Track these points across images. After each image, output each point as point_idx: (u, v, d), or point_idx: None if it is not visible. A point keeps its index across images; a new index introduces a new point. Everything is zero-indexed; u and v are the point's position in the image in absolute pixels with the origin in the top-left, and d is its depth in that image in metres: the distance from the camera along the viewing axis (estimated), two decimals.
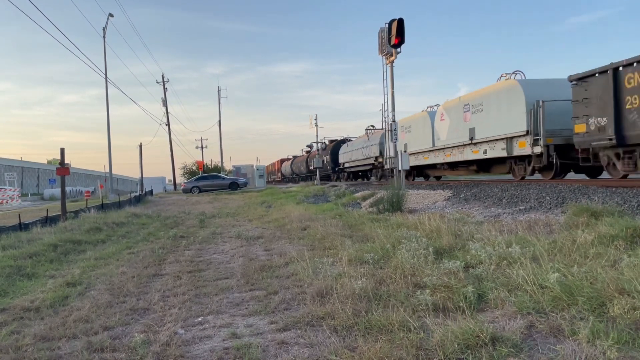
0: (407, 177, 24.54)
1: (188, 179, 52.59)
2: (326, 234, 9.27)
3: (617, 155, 11.64)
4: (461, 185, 15.94)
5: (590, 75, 11.93)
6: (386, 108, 19.12)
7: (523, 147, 15.16)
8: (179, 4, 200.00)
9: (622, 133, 11.02)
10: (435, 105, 22.34)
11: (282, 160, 70.43)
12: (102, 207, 18.50)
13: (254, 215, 16.20)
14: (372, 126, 33.37)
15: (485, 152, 17.26)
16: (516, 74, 16.50)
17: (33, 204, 36.71)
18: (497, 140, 16.42)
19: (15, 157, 64.34)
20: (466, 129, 18.21)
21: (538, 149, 14.41)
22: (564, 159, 14.13)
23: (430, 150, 21.95)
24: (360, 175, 36.37)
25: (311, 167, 47.11)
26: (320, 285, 5.18)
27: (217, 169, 62.76)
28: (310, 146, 49.44)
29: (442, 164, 21.16)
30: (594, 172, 14.70)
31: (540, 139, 14.16)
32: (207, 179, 41.85)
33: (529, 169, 15.63)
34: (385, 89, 18.86)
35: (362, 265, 6.10)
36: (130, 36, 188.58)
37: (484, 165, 18.64)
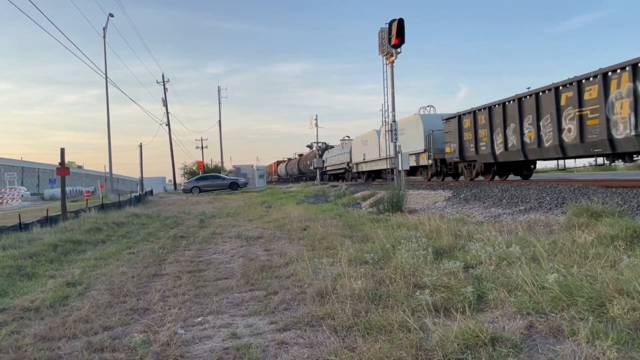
0: (366, 179, 33.15)
1: (188, 179, 52.58)
2: (326, 234, 9.27)
3: (464, 166, 20.00)
4: (461, 186, 15.94)
5: (450, 117, 20.00)
6: (386, 108, 19.15)
7: (424, 160, 22.93)
8: (179, 3, 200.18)
9: (463, 154, 19.14)
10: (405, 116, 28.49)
11: (278, 162, 75.05)
12: (102, 207, 18.51)
13: (254, 216, 16.21)
14: (347, 137, 38.61)
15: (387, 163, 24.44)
16: (427, 108, 24.77)
17: (33, 204, 36.72)
18: (412, 154, 23.31)
19: (15, 157, 64.43)
20: (397, 145, 23.49)
21: (430, 161, 22.18)
22: (446, 168, 21.77)
23: (378, 160, 29.37)
24: (339, 176, 42.03)
25: (301, 169, 54.69)
26: (320, 285, 5.18)
27: (217, 169, 62.76)
28: (310, 146, 49.48)
29: (385, 169, 27.24)
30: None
31: (431, 155, 21.98)
32: (207, 179, 41.84)
33: (429, 173, 22.90)
34: (386, 89, 18.88)
35: (362, 265, 6.10)
36: (130, 36, 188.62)
37: (408, 171, 23.25)
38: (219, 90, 62.77)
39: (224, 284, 6.07)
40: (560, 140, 13.32)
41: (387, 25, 17.00)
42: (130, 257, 8.53)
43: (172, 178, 60.67)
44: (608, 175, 18.23)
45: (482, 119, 17.45)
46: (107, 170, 42.01)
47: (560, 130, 13.30)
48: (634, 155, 11.89)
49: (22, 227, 11.80)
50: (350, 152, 35.93)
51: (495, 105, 16.53)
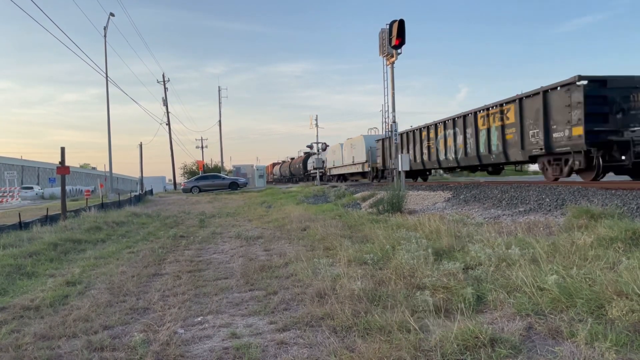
0: (337, 180, 42.03)
1: (188, 178, 52.61)
2: (326, 234, 9.28)
3: (387, 173, 25.71)
4: (461, 187, 15.96)
5: (379, 139, 29.01)
6: (387, 109, 19.17)
7: (367, 167, 33.13)
8: (180, 3, 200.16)
9: (385, 164, 26.83)
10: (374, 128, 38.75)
11: (273, 165, 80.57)
12: (102, 206, 18.52)
13: (253, 216, 16.21)
14: (325, 144, 44.17)
15: (357, 168, 35.47)
16: (371, 129, 35.78)
17: (33, 203, 36.73)
18: (358, 163, 34.70)
19: (16, 156, 64.43)
20: (351, 156, 36.53)
21: (369, 169, 32.67)
22: (379, 174, 30.51)
23: (342, 166, 40.05)
24: (319, 177, 48.19)
25: (292, 171, 62.72)
26: (319, 285, 5.19)
27: (217, 168, 62.79)
28: (311, 146, 49.47)
29: (344, 174, 40.21)
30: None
31: (370, 164, 32.32)
32: (207, 179, 41.85)
33: (371, 177, 32.41)
34: (386, 89, 18.90)
35: (361, 266, 6.11)
36: (131, 35, 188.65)
37: (360, 175, 35.69)
38: (219, 90, 62.78)
39: (223, 284, 6.07)
40: (447, 156, 20.32)
41: (388, 26, 16.99)
42: (130, 257, 8.54)
43: (172, 177, 60.70)
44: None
45: (310, 160, 34.21)
46: (107, 169, 42.02)
47: (447, 150, 20.28)
48: (500, 166, 18.18)
49: (22, 225, 11.81)
50: (325, 158, 46.67)
51: (405, 133, 25.00)
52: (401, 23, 16.29)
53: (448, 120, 20.08)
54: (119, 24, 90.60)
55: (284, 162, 73.55)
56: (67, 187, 36.28)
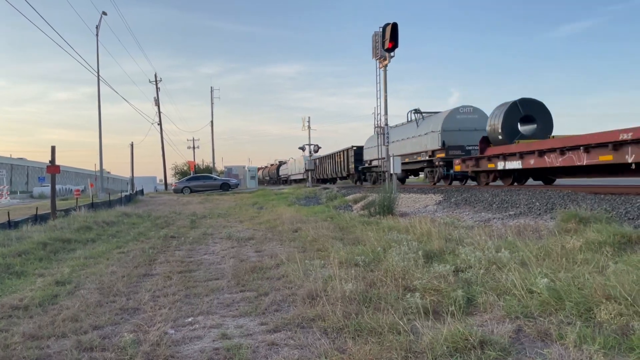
0: (299, 182, 54.72)
1: (179, 179, 52.42)
2: (317, 236, 9.29)
3: (319, 179, 46.96)
4: (452, 190, 16.03)
5: (315, 159, 46.54)
6: (379, 111, 19.22)
7: (305, 175, 46.61)
8: (174, 2, 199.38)
9: (315, 174, 47.25)
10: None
11: (259, 169, 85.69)
12: (92, 206, 18.40)
13: (245, 217, 16.19)
14: (317, 146, 47.34)
15: (300, 176, 53.40)
16: (312, 146, 45.42)
17: (22, 202, 36.40)
18: (300, 173, 52.39)
19: (5, 155, 63.83)
20: (303, 167, 47.61)
21: (307, 177, 44.94)
22: (321, 179, 46.19)
23: (293, 174, 58.57)
24: (296, 181, 58.72)
25: (271, 176, 75.89)
26: (310, 287, 5.20)
27: (209, 169, 62.57)
28: (303, 148, 49.48)
29: (295, 179, 58.16)
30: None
31: (309, 174, 44.42)
32: (198, 180, 41.74)
33: (309, 182, 42.29)
34: (379, 92, 18.94)
35: (353, 267, 6.12)
36: (123, 34, 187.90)
37: (301, 180, 51.51)
38: (211, 91, 62.57)
39: (214, 285, 6.06)
40: (335, 172, 39.79)
41: (381, 30, 17.06)
42: (120, 257, 8.50)
43: (163, 178, 60.37)
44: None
45: (320, 160, 46.03)
46: (98, 168, 41.74)
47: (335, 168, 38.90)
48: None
49: (11, 224, 11.70)
50: (287, 168, 64.81)
51: (325, 156, 42.38)
52: (394, 27, 16.35)
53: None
54: (112, 23, 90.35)
55: (266, 167, 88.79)
56: (57, 186, 35.97)
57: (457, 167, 19.08)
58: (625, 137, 10.26)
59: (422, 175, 26.83)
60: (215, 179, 42.70)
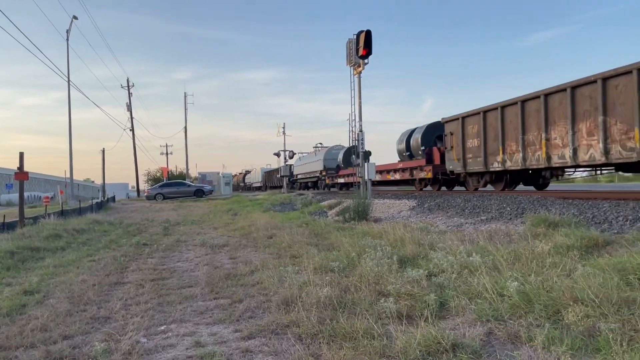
0: (258, 189, 66.16)
1: (152, 185, 51.73)
2: (292, 242, 9.28)
3: (272, 186, 57.26)
4: (425, 196, 16.21)
5: (267, 171, 63.28)
6: (353, 118, 19.38)
7: (261, 184, 65.29)
8: (147, 7, 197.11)
9: (266, 183, 62.68)
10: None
11: (234, 175, 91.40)
12: (62, 213, 18.00)
13: (219, 223, 16.06)
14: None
15: (258, 184, 68.54)
16: (267, 165, 57.80)
17: None
18: (258, 181, 68.77)
19: None
20: (260, 176, 66.26)
21: (263, 185, 63.93)
22: (270, 187, 57.69)
23: (253, 182, 73.43)
24: (256, 188, 68.80)
25: (246, 183, 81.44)
26: (285, 293, 5.19)
27: (182, 176, 62.00)
28: (278, 154, 49.59)
29: (256, 186, 70.52)
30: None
31: (265, 182, 62.78)
32: (171, 186, 41.30)
33: (265, 188, 58.41)
34: (353, 99, 19.10)
35: (327, 273, 6.14)
36: (95, 39, 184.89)
37: (259, 188, 65.52)
38: (185, 97, 62.10)
39: (188, 292, 6.00)
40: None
41: (355, 37, 17.22)
42: (91, 265, 8.34)
43: (135, 184, 59.53)
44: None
45: (273, 173, 56.07)
46: (68, 175, 40.87)
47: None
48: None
49: None
50: (251, 175, 77.76)
51: (271, 169, 58.93)
52: (368, 34, 16.53)
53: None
54: (83, 27, 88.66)
55: (235, 175, 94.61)
56: (26, 194, 35.11)
57: (327, 181, 35.49)
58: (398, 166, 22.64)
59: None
60: (188, 186, 42.33)
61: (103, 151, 52.21)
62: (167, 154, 69.57)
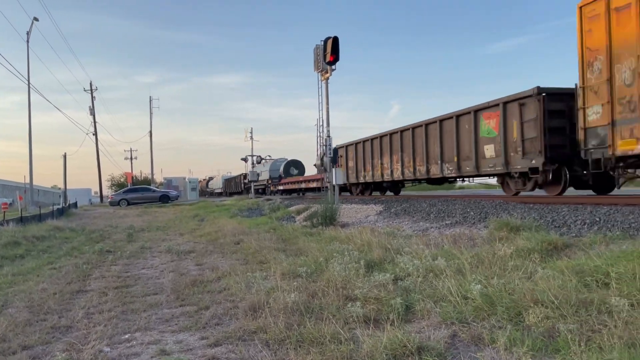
0: (220, 195, 69.66)
1: (116, 191, 50.73)
2: (260, 248, 9.24)
3: (227, 193, 63.16)
4: (392, 200, 16.40)
5: (228, 178, 67.50)
6: (321, 123, 19.52)
7: (222, 190, 69.95)
8: (110, 9, 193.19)
9: (224, 189, 68.30)
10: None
11: (200, 181, 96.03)
12: (22, 220, 17.43)
13: (185, 229, 15.85)
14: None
15: (219, 190, 72.29)
16: (228, 172, 59.00)
17: None
18: (219, 188, 72.57)
19: None
20: (220, 183, 72.19)
21: (223, 191, 69.22)
22: (230, 192, 59.48)
23: (215, 189, 75.33)
24: (217, 194, 72.19)
25: (209, 188, 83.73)
26: (252, 299, 5.17)
27: (147, 181, 60.99)
28: (245, 159, 49.30)
29: (218, 192, 72.55)
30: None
31: (224, 188, 68.38)
32: (136, 191, 40.58)
33: (225, 194, 63.34)
34: (321, 104, 19.23)
35: (295, 279, 6.14)
36: (56, 41, 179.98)
37: (219, 194, 71.59)
38: (150, 100, 61.14)
39: (153, 300, 5.90)
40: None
41: (322, 43, 17.31)
42: (51, 273, 8.10)
43: (98, 190, 58.13)
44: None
45: (231, 180, 62.74)
46: (27, 181, 39.62)
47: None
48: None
49: None
50: (214, 182, 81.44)
51: (231, 176, 65.43)
52: (335, 40, 16.64)
53: None
54: (44, 29, 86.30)
55: (200, 181, 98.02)
56: None
57: (272, 188, 42.12)
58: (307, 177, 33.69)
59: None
60: (154, 191, 41.68)
61: (64, 156, 50.82)
62: (131, 158, 68.28)
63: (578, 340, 3.33)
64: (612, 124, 9.44)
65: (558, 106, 11.56)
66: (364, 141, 21.66)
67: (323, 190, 28.46)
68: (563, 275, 4.69)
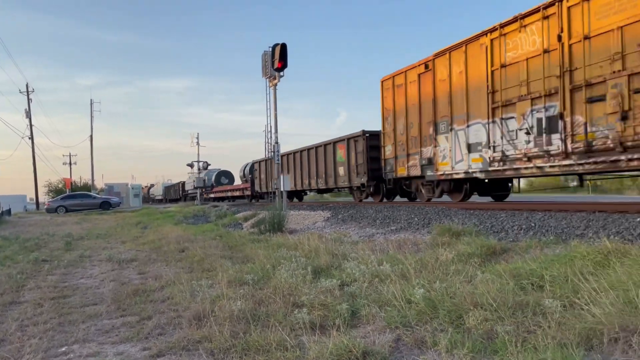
0: (160, 202, 75.00)
1: (53, 197, 48.61)
2: (205, 255, 9.09)
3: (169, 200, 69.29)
4: (340, 207, 16.57)
5: (168, 186, 73.24)
6: (269, 130, 19.47)
7: (161, 197, 76.30)
8: (49, 8, 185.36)
9: (166, 196, 73.18)
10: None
11: (144, 187, 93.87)
12: None
13: (128, 237, 15.36)
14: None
15: (159, 197, 78.59)
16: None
17: None
18: (160, 195, 78.06)
19: None
20: (161, 190, 77.84)
21: (163, 198, 73.44)
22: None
23: (157, 195, 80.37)
24: (158, 201, 75.74)
25: (151, 195, 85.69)
26: (197, 308, 5.07)
27: (88, 187, 58.75)
28: (191, 165, 48.44)
29: (158, 199, 77.71)
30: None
31: (165, 194, 72.34)
32: (75, 198, 39.06)
33: (164, 200, 70.91)
34: (269, 111, 19.21)
35: (241, 286, 6.08)
36: None
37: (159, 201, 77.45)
38: (91, 103, 59.01)
39: (92, 310, 5.68)
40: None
41: (271, 49, 17.31)
42: None
43: (34, 196, 55.40)
44: None
45: (171, 188, 69.28)
46: None
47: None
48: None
49: None
50: (155, 190, 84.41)
51: (170, 184, 71.83)
52: (283, 47, 16.68)
53: None
54: None
55: (143, 187, 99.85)
56: None
57: (205, 195, 45.78)
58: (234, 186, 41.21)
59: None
60: (94, 197, 40.27)
61: None
62: (70, 163, 65.64)
63: (515, 341, 3.48)
64: (396, 157, 15.55)
65: (375, 142, 17.22)
66: (268, 159, 28.05)
67: (246, 198, 35.79)
68: (501, 279, 4.88)
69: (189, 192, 55.03)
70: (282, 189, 17.33)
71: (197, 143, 47.33)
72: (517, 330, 3.71)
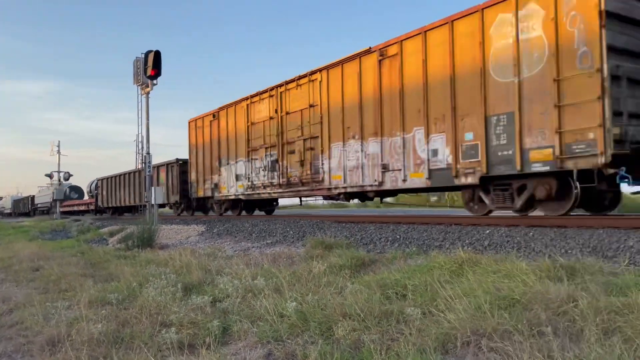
0: (9, 215, 68.18)
1: None
2: (63, 274, 8.33)
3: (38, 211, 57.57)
4: (214, 221, 16.22)
5: (20, 199, 68.44)
6: (141, 139, 18.53)
7: (10, 211, 70.90)
8: None
9: (36, 206, 59.17)
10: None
11: None
12: None
13: None
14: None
15: (8, 210, 72.51)
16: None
17: None
18: (9, 208, 71.63)
19: None
20: (10, 203, 73.35)
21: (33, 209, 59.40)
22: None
23: (8, 208, 72.21)
24: (7, 214, 71.19)
25: None
26: (51, 332, 4.62)
27: None
28: (50, 175, 44.27)
29: (7, 213, 71.63)
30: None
31: (34, 205, 57.20)
32: None
33: (15, 213, 65.20)
34: (140, 119, 18.30)
35: (104, 306, 5.66)
36: None
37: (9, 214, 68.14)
38: None
39: None
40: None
41: (143, 56, 16.59)
42: None
43: None
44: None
45: (20, 201, 64.77)
46: None
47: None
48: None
49: None
50: (3, 202, 79.82)
51: (20, 197, 66.30)
52: (157, 54, 16.09)
53: None
54: None
55: None
56: None
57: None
58: (82, 201, 44.40)
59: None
60: None
61: None
62: None
63: (380, 350, 3.63)
64: (197, 181, 20.07)
65: (186, 168, 21.27)
66: (112, 177, 31.05)
67: (90, 213, 39.76)
68: (369, 289, 5.10)
69: (40, 205, 56.23)
70: (152, 202, 16.57)
71: (58, 151, 43.53)
72: (382, 339, 3.88)
